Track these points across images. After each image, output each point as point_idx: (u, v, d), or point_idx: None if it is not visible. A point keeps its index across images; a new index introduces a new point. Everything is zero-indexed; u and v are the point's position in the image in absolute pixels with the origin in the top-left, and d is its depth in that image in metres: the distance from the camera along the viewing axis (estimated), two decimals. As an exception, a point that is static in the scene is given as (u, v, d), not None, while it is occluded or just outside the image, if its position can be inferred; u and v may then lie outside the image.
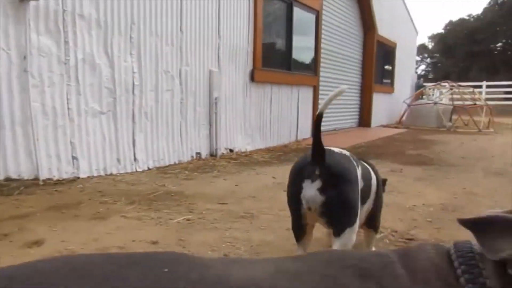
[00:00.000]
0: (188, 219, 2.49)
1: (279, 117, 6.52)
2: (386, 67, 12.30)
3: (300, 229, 1.56)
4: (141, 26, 3.93)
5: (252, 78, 5.67)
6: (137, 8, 3.87)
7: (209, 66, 4.86)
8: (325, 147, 1.47)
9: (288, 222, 2.52)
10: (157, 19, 4.10)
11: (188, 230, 2.31)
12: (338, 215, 1.43)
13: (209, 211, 2.70)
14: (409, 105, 11.70)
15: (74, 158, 3.42)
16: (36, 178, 3.15)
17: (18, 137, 3.05)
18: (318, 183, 1.41)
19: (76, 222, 2.37)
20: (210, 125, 4.92)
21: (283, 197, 3.11)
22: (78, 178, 3.42)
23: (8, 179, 3.00)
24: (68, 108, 3.36)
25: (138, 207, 2.70)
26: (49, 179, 3.23)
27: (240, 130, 5.52)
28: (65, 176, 3.34)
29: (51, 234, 2.17)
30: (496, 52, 28.40)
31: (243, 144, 5.58)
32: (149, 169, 4.06)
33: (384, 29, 11.11)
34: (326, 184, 1.40)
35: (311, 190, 1.41)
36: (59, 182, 3.24)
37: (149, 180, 3.57)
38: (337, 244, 1.44)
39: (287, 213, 2.71)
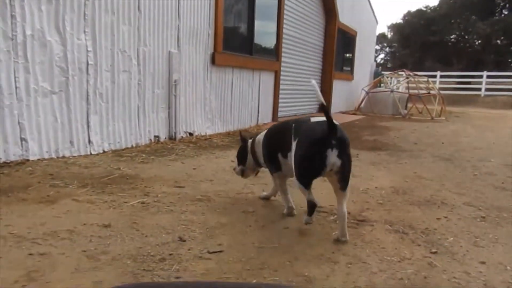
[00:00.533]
0: (143, 203, 2.45)
1: (240, 101, 6.49)
2: (346, 55, 12.52)
3: (312, 181, 2.05)
4: (95, 3, 3.75)
5: (213, 61, 5.59)
6: (91, -17, 3.69)
7: (168, 48, 4.74)
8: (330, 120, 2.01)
9: (244, 205, 2.55)
10: (113, -4, 3.93)
11: (143, 213, 2.27)
12: (347, 172, 2.01)
13: (165, 194, 2.67)
14: (367, 93, 12.01)
15: (23, 139, 3.25)
16: (-20, 160, 2.98)
17: (-41, 116, 2.86)
18: (335, 151, 1.93)
19: (23, 206, 2.27)
20: (169, 107, 4.82)
21: (240, 180, 3.14)
22: (28, 160, 3.26)
23: None
24: (16, 87, 3.18)
25: (90, 191, 2.62)
26: (-6, 161, 3.06)
27: (200, 113, 5.46)
28: (12, 158, 3.18)
29: (-5, 218, 2.06)
30: (450, 44, 29.57)
31: (203, 127, 5.53)
32: (104, 152, 3.94)
33: (345, 17, 11.27)
34: (340, 151, 1.93)
35: (333, 157, 1.93)
36: (6, 165, 3.08)
37: (103, 163, 3.47)
38: (345, 194, 2.06)
39: (244, 196, 2.75)
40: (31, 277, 1.51)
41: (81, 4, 3.63)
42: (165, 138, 4.81)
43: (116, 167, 3.32)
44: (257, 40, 7.02)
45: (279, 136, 2.36)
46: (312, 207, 2.08)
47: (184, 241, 1.93)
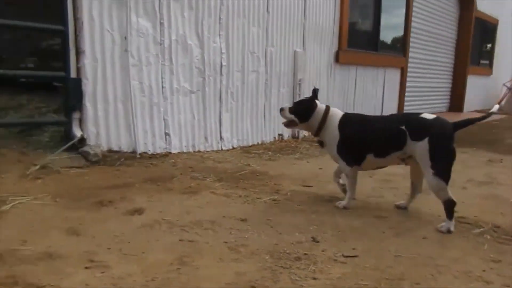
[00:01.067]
0: (274, 200, 2.52)
1: (364, 100, 6.28)
2: (485, 46, 11.18)
3: None
4: (229, 7, 3.98)
5: (337, 59, 5.51)
6: (227, -11, 3.93)
7: (294, 47, 4.81)
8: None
9: (375, 209, 2.46)
10: (245, 0, 4.12)
11: (275, 210, 2.34)
12: None
13: (294, 192, 2.71)
14: (510, 89, 10.57)
15: (166, 134, 3.62)
16: (134, 151, 3.40)
17: (119, 113, 3.30)
18: None
19: (170, 195, 2.53)
20: (293, 106, 4.89)
21: (369, 183, 3.05)
22: (170, 153, 3.62)
23: (110, 151, 3.28)
24: (163, 87, 3.55)
25: (226, 185, 2.80)
26: (144, 152, 3.46)
27: (323, 112, 5.42)
28: (158, 150, 3.57)
29: (149, 204, 2.33)
30: None
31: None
32: (233, 148, 4.18)
33: (485, 4, 10.05)
34: None
35: None
36: (153, 156, 3.46)
37: (234, 159, 3.67)
38: None
39: (375, 199, 2.65)
40: (183, 262, 1.66)
41: (217, 9, 3.89)
42: (288, 136, 4.89)
43: (246, 163, 3.49)
44: (383, 35, 6.70)
45: (375, 136, 2.35)
46: (453, 206, 2.15)
47: (318, 242, 1.93)
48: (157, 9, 3.43)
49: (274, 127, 4.70)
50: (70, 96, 3.07)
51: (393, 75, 7.04)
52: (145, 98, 3.44)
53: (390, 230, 2.14)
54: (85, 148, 3.12)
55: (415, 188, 2.46)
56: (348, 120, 2.46)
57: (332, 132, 2.44)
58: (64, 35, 2.96)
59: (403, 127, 2.23)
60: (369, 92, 6.39)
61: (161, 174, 2.97)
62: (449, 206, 2.13)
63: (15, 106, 4.37)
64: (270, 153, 4.01)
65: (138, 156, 3.37)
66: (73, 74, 3.05)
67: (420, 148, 2.16)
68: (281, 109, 2.60)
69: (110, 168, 3.03)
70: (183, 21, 3.64)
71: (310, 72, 5.09)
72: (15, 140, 3.28)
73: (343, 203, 2.44)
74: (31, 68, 6.44)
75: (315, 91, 2.58)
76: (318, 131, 2.50)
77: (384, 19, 6.57)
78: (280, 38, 4.61)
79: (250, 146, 4.31)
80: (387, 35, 6.99)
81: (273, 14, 4.47)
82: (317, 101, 2.51)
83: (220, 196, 2.54)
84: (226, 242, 1.87)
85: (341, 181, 2.59)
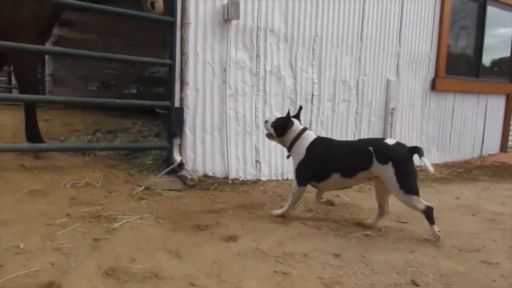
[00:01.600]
0: (367, 235, 2.44)
1: (461, 129, 5.87)
2: None
3: None
4: (323, 38, 4.04)
5: (433, 86, 5.26)
6: (321, 20, 4.00)
7: (387, 75, 4.69)
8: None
9: (482, 253, 2.26)
10: (339, 30, 4.16)
11: (369, 247, 2.26)
12: None
13: (388, 229, 2.60)
14: None
15: (257, 161, 3.73)
16: (226, 177, 3.54)
17: (215, 140, 3.49)
18: None
19: (262, 223, 2.57)
20: (384, 136, 4.74)
21: (473, 222, 2.81)
22: (259, 180, 3.71)
23: (205, 176, 3.46)
24: (256, 116, 3.69)
25: (316, 216, 2.78)
26: (236, 179, 3.59)
27: (416, 142, 5.15)
28: (249, 177, 3.68)
29: (242, 231, 2.40)
30: None
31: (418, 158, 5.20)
32: (321, 177, 4.15)
33: None
34: None
35: None
36: (244, 183, 3.57)
37: (323, 188, 3.63)
38: None
39: (481, 242, 2.44)
40: (278, 295, 1.68)
41: (311, 40, 3.97)
42: (379, 166, 4.73)
43: (335, 194, 3.42)
44: (486, 60, 6.25)
45: (344, 156, 2.57)
46: (432, 211, 2.37)
47: (418, 286, 1.82)
48: (254, 42, 3.61)
49: (364, 157, 4.58)
50: (173, 123, 3.32)
51: (497, 103, 6.49)
52: (239, 126, 3.60)
53: (503, 279, 1.94)
54: (183, 173, 3.33)
55: (382, 208, 2.59)
56: (317, 143, 2.66)
57: (300, 152, 2.66)
58: (171, 68, 3.24)
59: (371, 148, 2.45)
60: (468, 122, 5.96)
61: (252, 201, 3.05)
62: (429, 212, 2.36)
63: (122, 129, 4.84)
64: (361, 184, 3.89)
65: (230, 182, 3.51)
66: (176, 104, 3.31)
67: (386, 171, 2.40)
68: (266, 121, 2.91)
69: (205, 193, 3.19)
70: (278, 53, 3.77)
71: (403, 101, 4.91)
72: (123, 162, 3.61)
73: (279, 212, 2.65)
74: (134, 93, 7.12)
75: (301, 107, 2.90)
76: (289, 147, 2.74)
77: (487, 43, 6.13)
78: (373, 67, 4.54)
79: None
80: (490, 60, 6.50)
81: (367, 43, 4.44)
82: (295, 121, 2.74)
83: (311, 228, 2.53)
84: (320, 278, 1.85)
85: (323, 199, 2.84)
